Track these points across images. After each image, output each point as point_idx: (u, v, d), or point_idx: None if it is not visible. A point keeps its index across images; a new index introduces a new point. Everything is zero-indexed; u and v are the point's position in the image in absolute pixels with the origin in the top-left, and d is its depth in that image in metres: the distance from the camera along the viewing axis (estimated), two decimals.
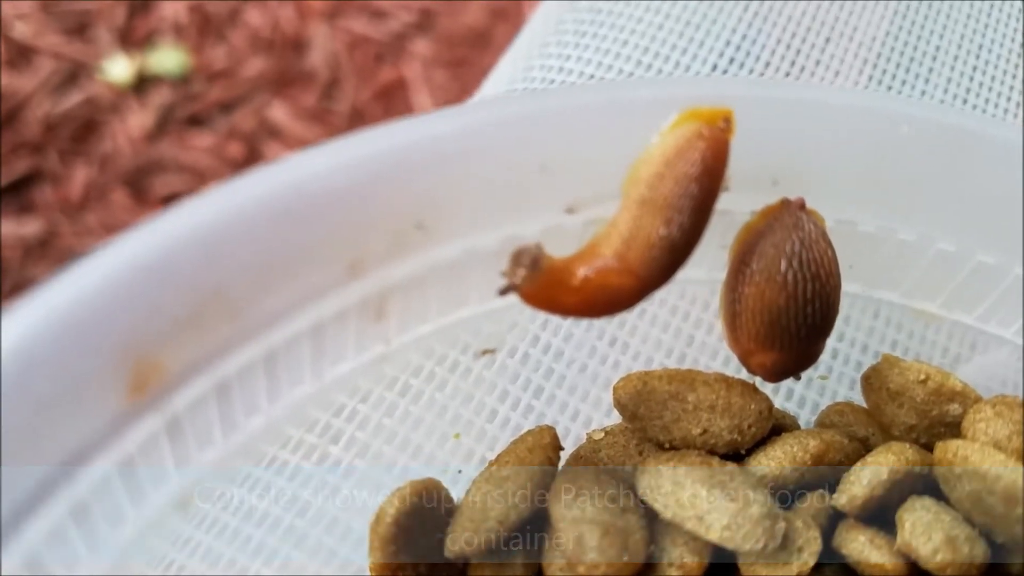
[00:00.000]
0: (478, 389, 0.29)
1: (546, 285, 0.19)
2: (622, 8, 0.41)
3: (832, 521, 0.24)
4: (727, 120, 0.20)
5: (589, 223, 0.21)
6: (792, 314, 0.21)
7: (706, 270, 0.23)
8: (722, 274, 0.23)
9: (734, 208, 0.22)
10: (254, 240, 0.16)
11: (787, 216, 0.21)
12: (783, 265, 0.21)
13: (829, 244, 0.21)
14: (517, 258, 0.18)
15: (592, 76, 0.38)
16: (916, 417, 0.24)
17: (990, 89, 0.44)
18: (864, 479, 0.23)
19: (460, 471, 0.27)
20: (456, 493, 0.24)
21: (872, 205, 0.23)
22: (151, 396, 0.15)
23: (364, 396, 0.28)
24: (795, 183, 0.22)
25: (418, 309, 0.20)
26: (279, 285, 0.17)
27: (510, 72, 0.41)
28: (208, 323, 0.16)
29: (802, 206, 0.21)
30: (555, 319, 0.31)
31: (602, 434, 0.25)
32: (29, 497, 0.14)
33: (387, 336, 0.20)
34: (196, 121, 1.19)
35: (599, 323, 0.31)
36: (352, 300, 0.18)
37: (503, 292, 0.19)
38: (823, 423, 0.26)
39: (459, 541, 0.22)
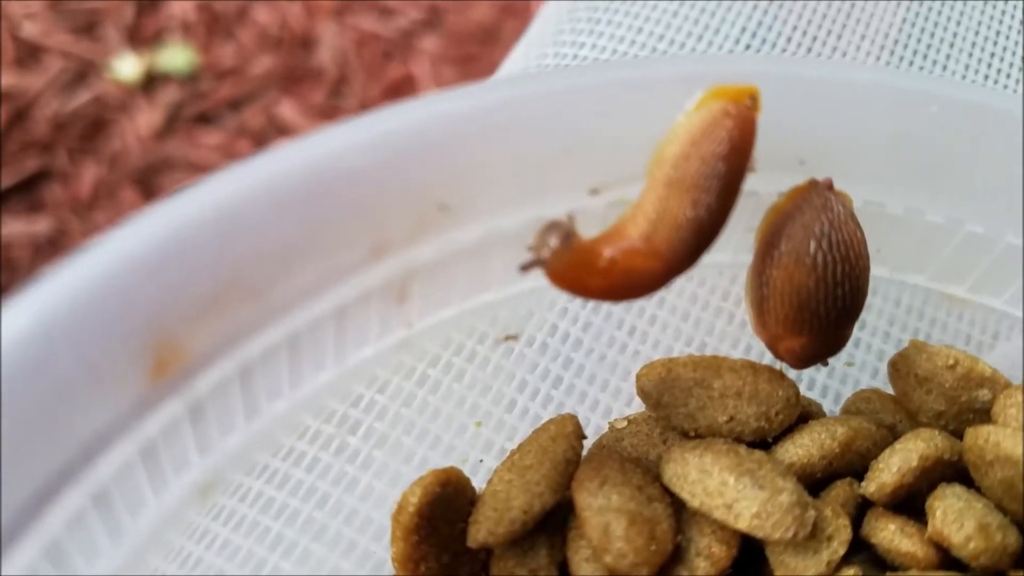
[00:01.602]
0: (496, 379, 0.29)
1: (573, 265, 0.19)
2: None
3: (860, 509, 0.23)
4: (753, 98, 0.19)
5: (613, 205, 0.21)
6: (822, 297, 0.21)
7: (731, 253, 0.23)
8: (748, 257, 0.22)
9: (761, 189, 0.21)
10: (275, 220, 0.15)
11: (815, 197, 0.21)
12: (812, 247, 0.20)
13: (858, 225, 0.21)
14: (547, 231, 0.17)
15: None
16: (945, 403, 0.24)
17: (1008, 76, 0.44)
18: (893, 466, 0.22)
19: (481, 460, 0.26)
20: (477, 483, 0.23)
21: (900, 186, 0.22)
22: (173, 379, 0.15)
23: (382, 386, 0.27)
24: (822, 163, 0.21)
25: (441, 292, 0.20)
26: (302, 266, 0.16)
27: (523, 61, 0.40)
28: (230, 305, 0.15)
29: (830, 187, 0.21)
30: (574, 308, 0.30)
31: (625, 423, 0.24)
32: (51, 482, 0.14)
33: (409, 319, 0.19)
34: (205, 119, 1.19)
35: (618, 312, 0.31)
36: (375, 282, 0.18)
37: (527, 267, 0.18)
38: (849, 410, 0.25)
39: (482, 531, 0.21)
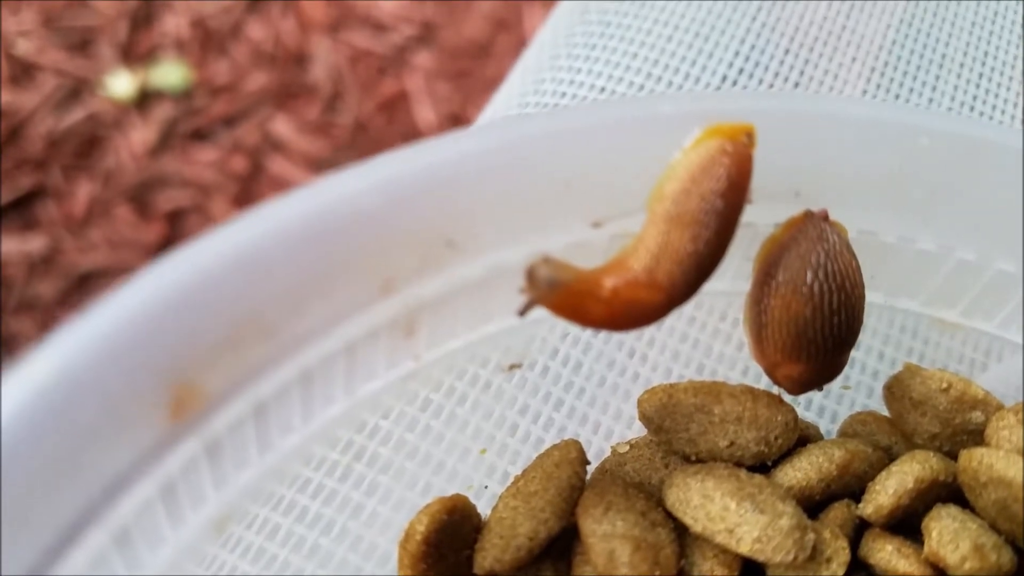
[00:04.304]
0: (499, 403, 0.29)
1: (576, 293, 0.19)
2: (631, 21, 0.41)
3: (858, 530, 0.24)
4: (749, 135, 0.20)
5: (615, 237, 0.21)
6: (818, 325, 0.21)
7: (729, 281, 0.24)
8: (745, 285, 0.23)
9: (757, 220, 0.22)
10: (289, 263, 0.16)
11: (811, 228, 0.21)
12: (809, 276, 0.21)
13: (853, 255, 0.22)
14: (533, 273, 0.18)
15: (603, 89, 0.39)
16: (939, 425, 0.24)
17: (996, 95, 0.45)
18: (890, 488, 0.23)
19: (486, 487, 0.27)
20: (481, 508, 0.24)
21: (893, 216, 0.23)
22: (191, 419, 0.16)
23: (386, 412, 0.28)
24: (816, 195, 0.22)
25: (447, 325, 0.20)
26: (314, 306, 0.17)
27: (521, 85, 0.41)
28: (245, 345, 0.16)
29: (826, 217, 0.22)
30: (575, 331, 0.31)
31: (627, 447, 0.25)
32: (74, 523, 0.14)
33: (417, 352, 0.20)
34: (199, 136, 1.19)
35: (618, 335, 0.32)
36: (383, 318, 0.18)
37: (524, 310, 0.19)
38: (846, 432, 0.26)
39: (488, 558, 0.22)
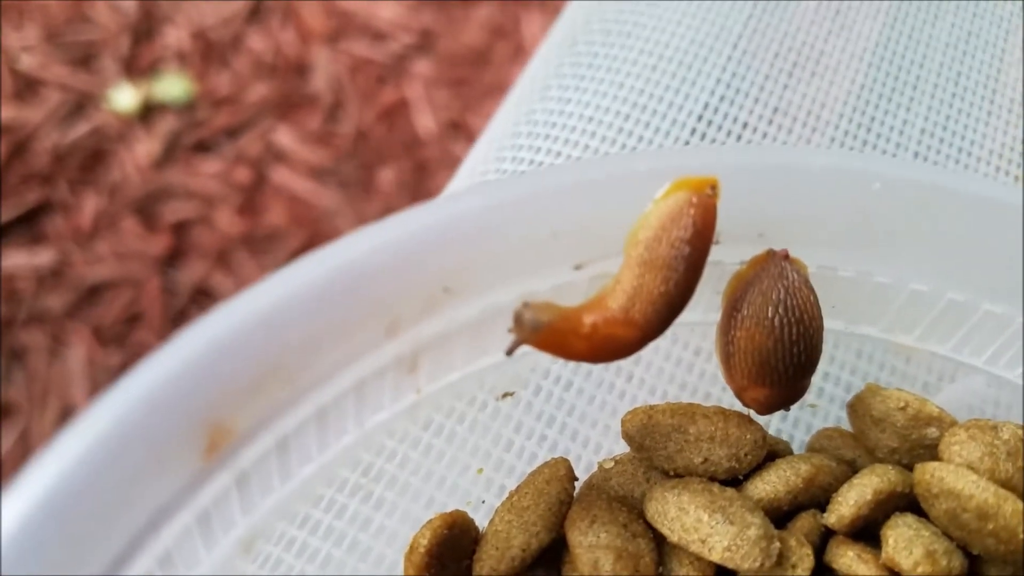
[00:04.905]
0: (495, 421, 0.31)
1: (558, 332, 0.21)
2: (617, 52, 0.43)
3: (823, 537, 0.26)
4: (713, 187, 0.22)
5: (595, 278, 0.23)
6: (780, 355, 0.23)
7: (701, 313, 0.26)
8: (715, 316, 0.25)
9: (725, 259, 0.24)
10: (307, 317, 0.18)
11: (773, 266, 0.24)
12: (770, 311, 0.23)
13: (811, 290, 0.24)
14: (519, 316, 0.20)
15: (591, 118, 0.41)
16: (898, 440, 0.27)
17: (967, 115, 0.47)
18: (851, 499, 0.25)
19: (483, 501, 0.29)
20: (479, 519, 0.26)
21: (850, 252, 0.25)
22: (223, 456, 0.18)
23: (391, 431, 0.30)
24: (779, 235, 0.24)
25: (446, 360, 0.22)
26: (329, 352, 0.19)
27: (514, 115, 0.43)
28: (269, 390, 0.18)
29: (786, 256, 0.24)
30: None
31: (612, 463, 0.27)
32: (125, 549, 0.17)
33: (419, 386, 0.22)
34: (203, 147, 1.22)
35: None
36: (389, 357, 0.21)
37: (511, 349, 0.21)
38: (813, 447, 0.28)
39: (486, 567, 0.24)
